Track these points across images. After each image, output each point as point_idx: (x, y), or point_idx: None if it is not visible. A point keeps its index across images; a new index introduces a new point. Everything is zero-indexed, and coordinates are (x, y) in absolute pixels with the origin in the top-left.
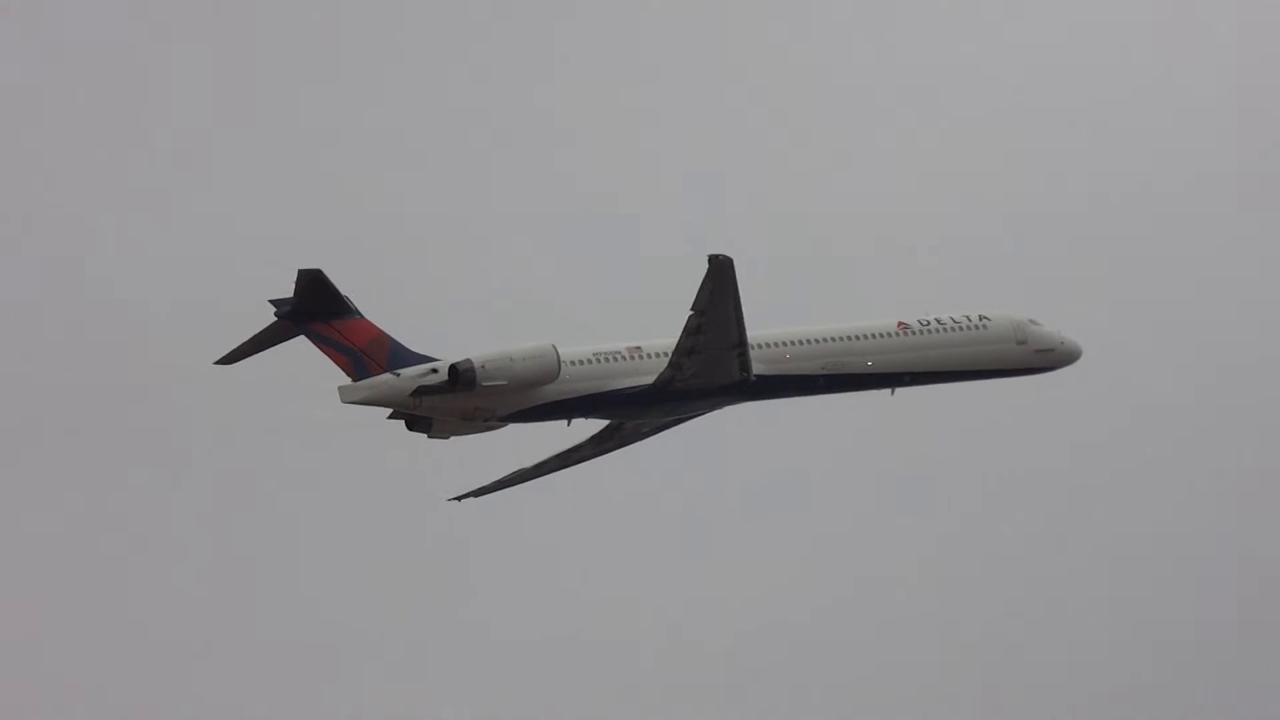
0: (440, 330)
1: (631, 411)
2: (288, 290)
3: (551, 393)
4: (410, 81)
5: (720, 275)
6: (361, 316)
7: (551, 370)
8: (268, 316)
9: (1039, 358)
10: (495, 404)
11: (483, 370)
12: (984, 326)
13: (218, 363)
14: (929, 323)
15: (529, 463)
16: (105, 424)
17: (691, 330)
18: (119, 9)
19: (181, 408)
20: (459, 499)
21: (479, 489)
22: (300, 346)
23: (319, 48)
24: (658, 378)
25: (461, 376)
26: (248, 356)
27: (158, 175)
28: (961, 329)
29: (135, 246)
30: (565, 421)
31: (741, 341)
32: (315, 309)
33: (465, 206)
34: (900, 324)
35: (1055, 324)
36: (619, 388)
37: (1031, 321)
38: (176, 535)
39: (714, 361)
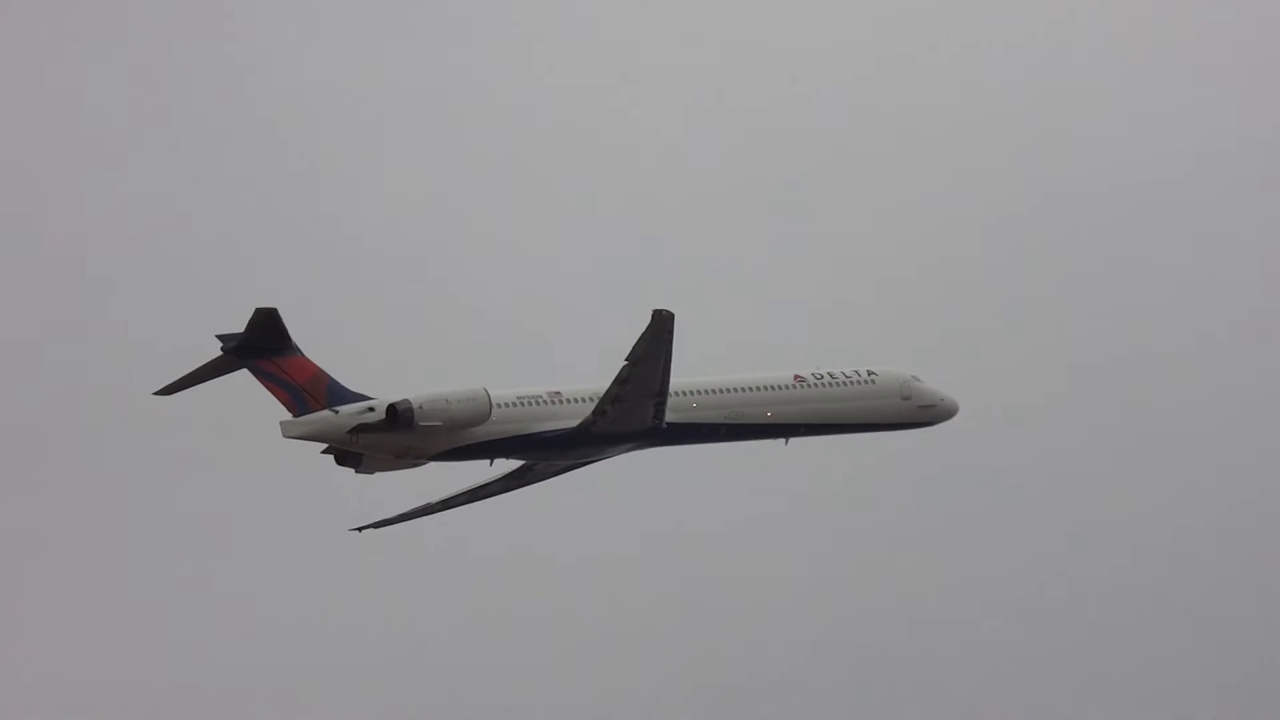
0: (372, 367)
1: (551, 453)
2: (226, 325)
3: (480, 434)
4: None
5: (659, 329)
6: (302, 354)
7: (484, 413)
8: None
9: (921, 413)
10: (427, 443)
11: (420, 411)
12: (872, 381)
13: (157, 393)
14: (822, 376)
15: (436, 498)
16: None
17: (621, 379)
18: None
19: (117, 435)
20: (360, 529)
21: (382, 520)
22: (239, 381)
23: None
24: (581, 422)
25: (400, 416)
26: (188, 388)
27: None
28: (852, 384)
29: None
30: (488, 461)
31: (662, 391)
32: (263, 345)
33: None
34: (796, 376)
35: (935, 380)
36: (542, 430)
37: (914, 378)
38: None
39: (634, 409)
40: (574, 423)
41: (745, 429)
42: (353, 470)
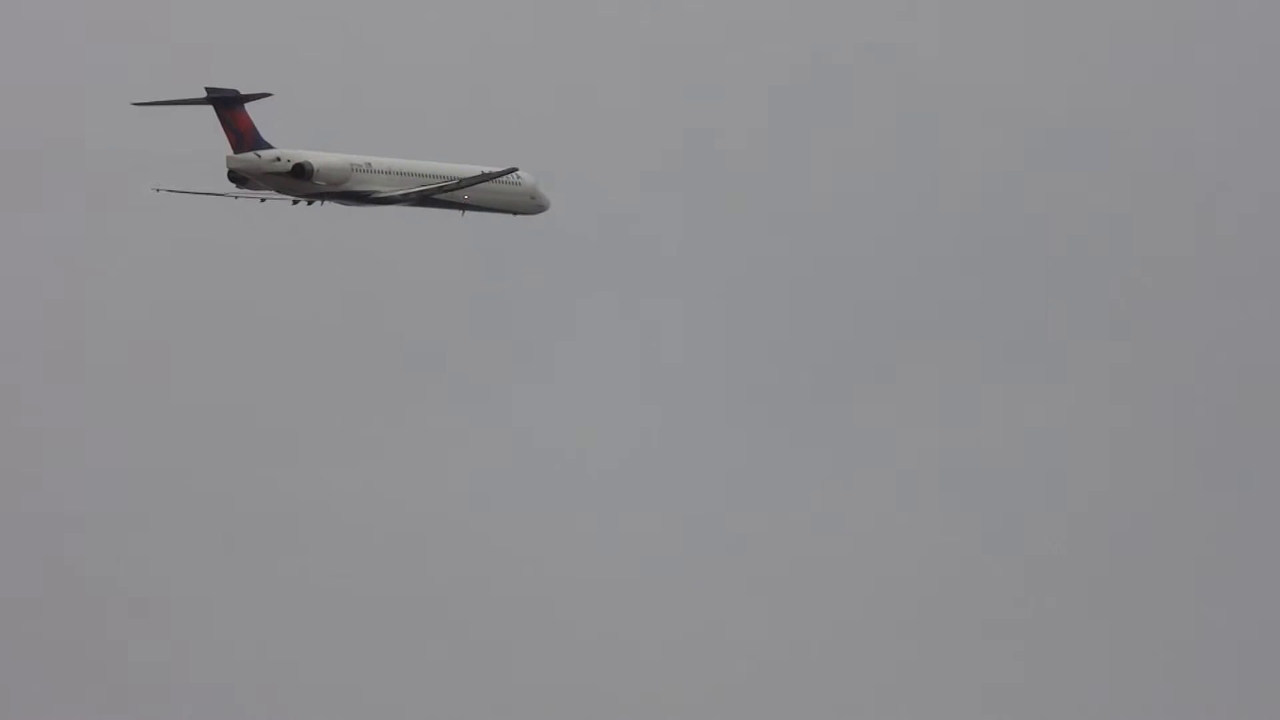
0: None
1: (352, 202)
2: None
3: (328, 186)
4: None
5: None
6: (246, 111)
7: (346, 177)
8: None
9: (534, 205)
10: (300, 189)
11: (319, 171)
12: (519, 182)
13: (135, 104)
14: (492, 172)
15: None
16: None
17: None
18: None
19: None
20: (159, 190)
21: (186, 190)
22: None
23: None
24: (392, 194)
25: (304, 170)
26: (163, 105)
27: None
28: (508, 183)
29: None
30: (321, 201)
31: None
32: (230, 101)
33: None
34: (482, 170)
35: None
36: (359, 189)
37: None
38: None
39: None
40: (381, 189)
41: (443, 201)
42: (235, 186)
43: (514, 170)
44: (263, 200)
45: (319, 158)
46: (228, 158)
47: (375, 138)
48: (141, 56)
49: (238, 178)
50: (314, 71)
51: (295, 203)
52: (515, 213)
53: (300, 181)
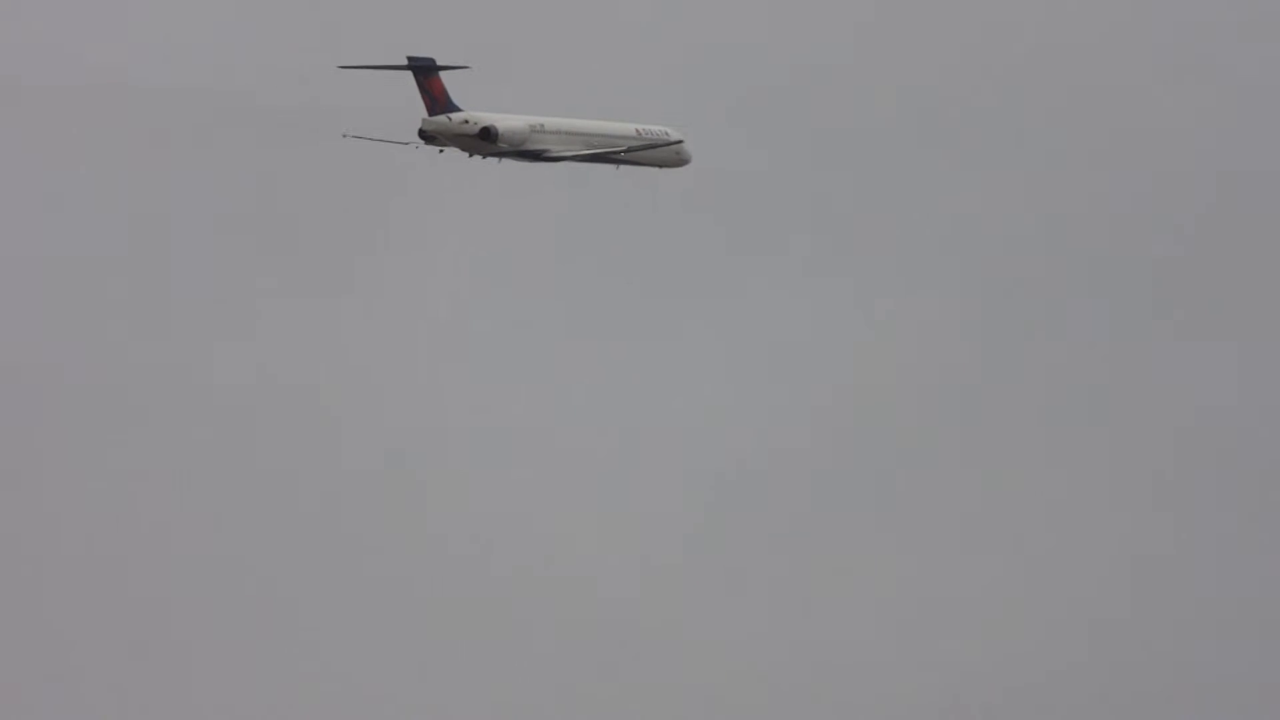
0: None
1: (528, 159)
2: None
3: (509, 147)
4: None
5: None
6: (440, 79)
7: (525, 139)
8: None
9: (679, 160)
10: (484, 149)
11: (503, 134)
12: (668, 137)
13: (341, 67)
14: (650, 130)
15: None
16: None
17: (614, 152)
18: None
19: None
20: (347, 135)
21: (375, 138)
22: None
23: None
24: (571, 154)
25: (490, 133)
26: (369, 69)
27: None
28: (657, 137)
29: None
30: (499, 159)
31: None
32: (428, 69)
33: None
34: (636, 129)
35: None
36: (535, 149)
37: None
38: None
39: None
40: (552, 148)
41: (602, 157)
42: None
43: (668, 132)
44: (440, 151)
45: (503, 122)
46: (423, 120)
47: (543, 97)
48: (342, 23)
49: (428, 137)
50: (485, 36)
51: (471, 157)
52: (662, 166)
53: (485, 143)
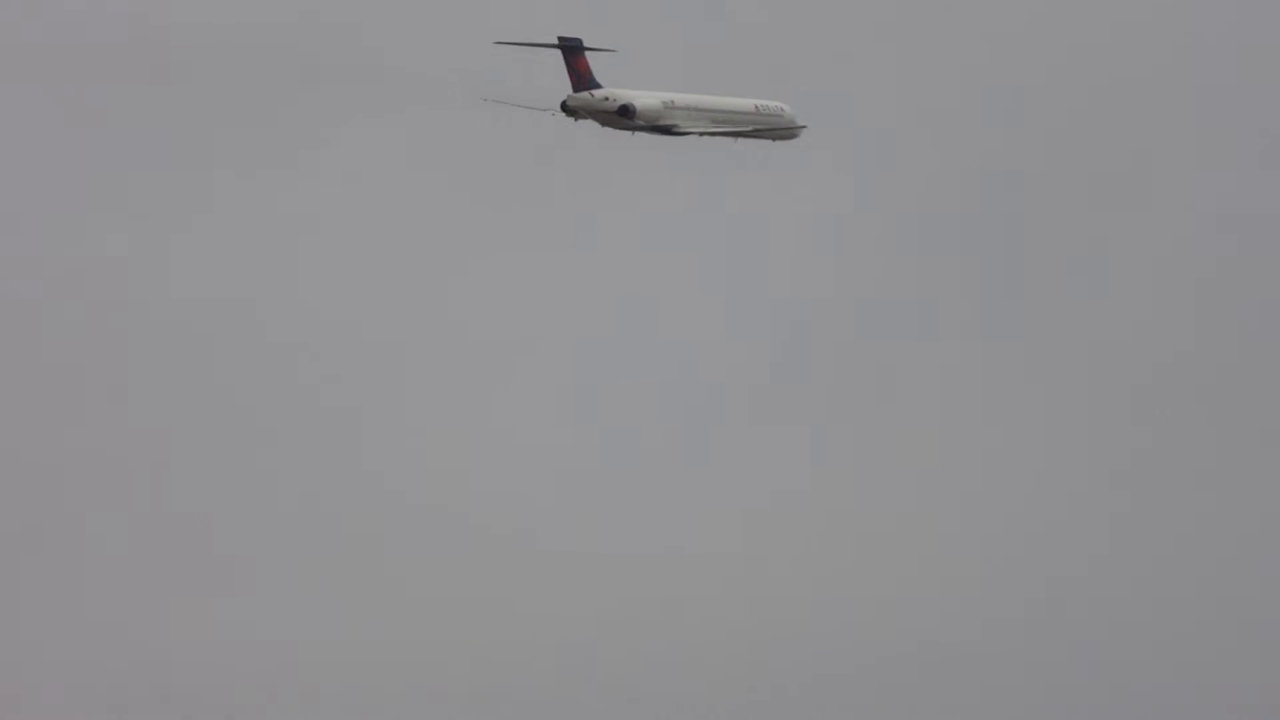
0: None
1: (662, 133)
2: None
3: (645, 123)
4: None
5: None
6: (585, 57)
7: (659, 115)
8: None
9: (792, 132)
10: (622, 124)
11: (639, 111)
12: (781, 112)
13: (497, 42)
14: (766, 106)
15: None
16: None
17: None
18: None
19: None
20: (487, 100)
21: (506, 102)
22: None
23: None
24: (699, 131)
25: (628, 110)
26: (522, 46)
27: None
28: (773, 112)
29: None
30: (633, 133)
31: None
32: (575, 49)
33: None
34: (755, 105)
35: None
36: (668, 124)
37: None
38: None
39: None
40: (681, 124)
41: (725, 131)
42: (563, 115)
43: (782, 108)
44: (575, 121)
45: (639, 99)
46: (569, 95)
47: (671, 74)
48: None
49: (570, 110)
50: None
51: (604, 126)
52: (777, 138)
53: (622, 118)
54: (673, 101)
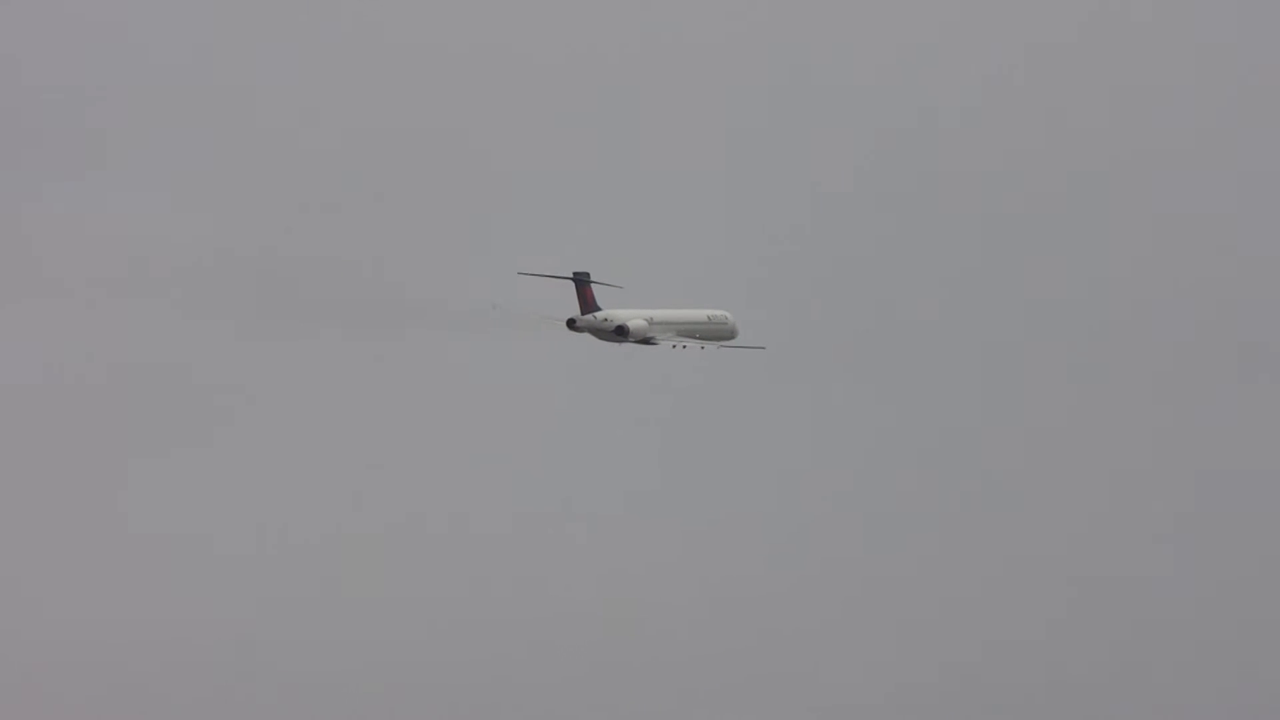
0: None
1: (640, 343)
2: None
3: (633, 339)
4: None
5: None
6: (590, 288)
7: (645, 333)
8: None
9: (730, 334)
10: (614, 339)
11: (631, 331)
12: (725, 320)
13: (521, 273)
14: (715, 316)
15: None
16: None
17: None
18: None
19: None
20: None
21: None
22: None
23: None
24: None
25: (623, 330)
26: (545, 277)
27: None
28: (719, 321)
29: None
30: (620, 344)
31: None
32: (586, 281)
33: None
34: (707, 315)
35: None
36: (646, 337)
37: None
38: None
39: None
40: (656, 335)
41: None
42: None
43: (726, 316)
44: (578, 331)
45: (632, 321)
46: (577, 316)
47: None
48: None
49: (574, 326)
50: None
51: (603, 340)
52: (719, 340)
53: (618, 336)
54: (652, 319)
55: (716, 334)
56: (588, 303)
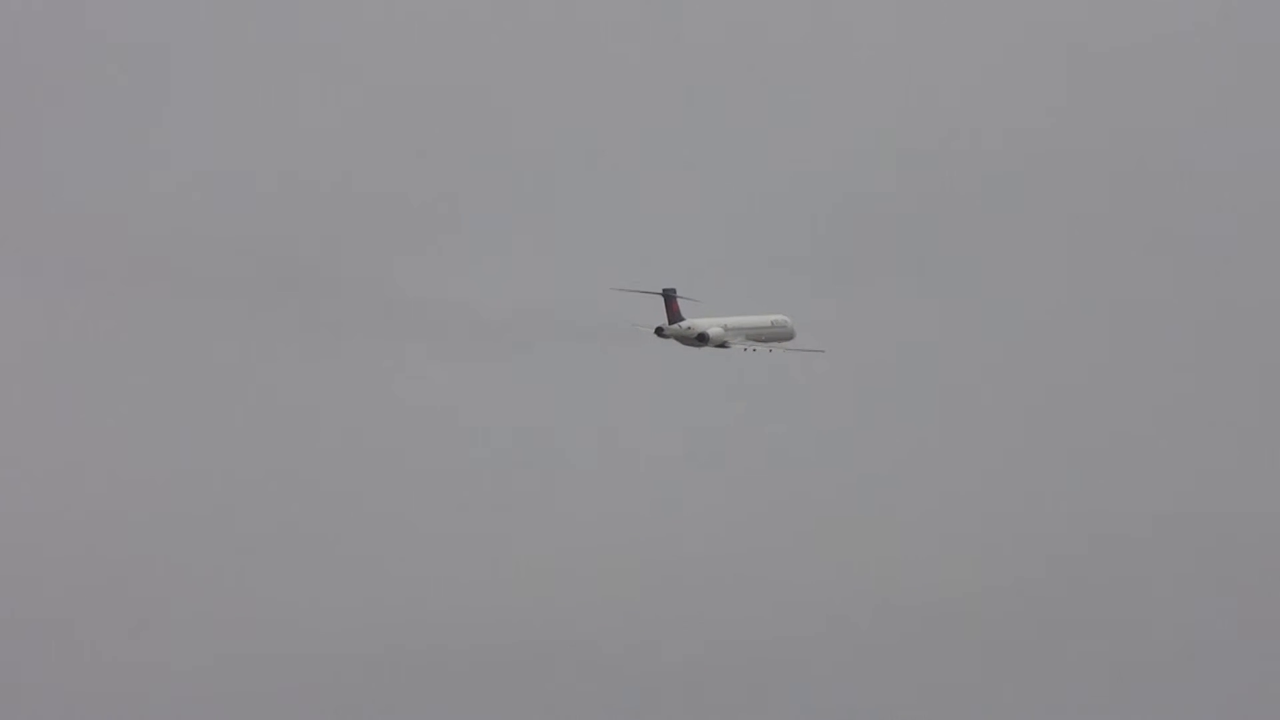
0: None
1: (718, 347)
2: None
3: (713, 344)
4: None
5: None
6: (676, 300)
7: (723, 338)
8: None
9: (789, 335)
10: (697, 345)
11: (711, 338)
12: (786, 324)
13: (615, 289)
14: (776, 319)
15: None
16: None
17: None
18: None
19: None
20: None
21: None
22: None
23: None
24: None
25: (704, 337)
26: (640, 292)
27: None
28: (781, 325)
29: None
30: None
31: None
32: (673, 296)
33: None
34: (771, 320)
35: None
36: (723, 342)
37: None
38: None
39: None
40: (731, 340)
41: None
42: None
43: (786, 320)
44: (665, 338)
45: (711, 329)
46: (665, 325)
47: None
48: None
49: (661, 333)
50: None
51: (686, 345)
52: (782, 341)
53: (698, 342)
54: (726, 325)
55: (778, 336)
56: (674, 313)
